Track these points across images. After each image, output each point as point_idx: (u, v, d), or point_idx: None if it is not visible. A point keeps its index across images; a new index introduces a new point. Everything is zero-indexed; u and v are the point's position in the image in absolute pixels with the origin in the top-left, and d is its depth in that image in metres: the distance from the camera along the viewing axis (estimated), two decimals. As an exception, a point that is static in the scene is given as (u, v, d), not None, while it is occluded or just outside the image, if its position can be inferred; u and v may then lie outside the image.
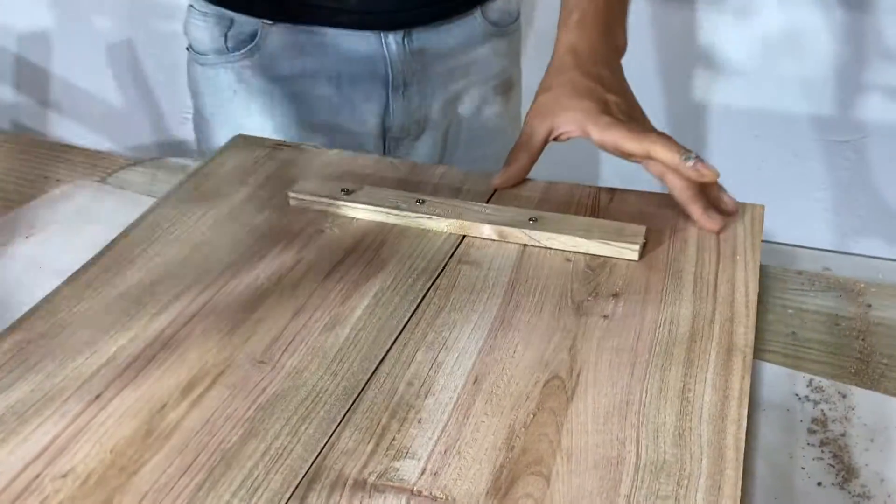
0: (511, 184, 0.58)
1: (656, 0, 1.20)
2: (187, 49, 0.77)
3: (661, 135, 0.55)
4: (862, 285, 0.53)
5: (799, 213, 1.20)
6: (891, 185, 1.20)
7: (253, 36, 0.71)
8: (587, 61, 0.58)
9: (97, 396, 0.41)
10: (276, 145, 0.65)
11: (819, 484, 0.39)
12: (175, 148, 1.60)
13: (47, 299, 0.48)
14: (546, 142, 0.59)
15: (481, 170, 0.61)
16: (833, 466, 0.40)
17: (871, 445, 0.41)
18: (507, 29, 0.78)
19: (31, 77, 1.66)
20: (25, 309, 0.48)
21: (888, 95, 1.18)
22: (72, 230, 0.60)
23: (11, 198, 0.65)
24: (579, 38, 0.58)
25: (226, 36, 0.71)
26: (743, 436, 0.38)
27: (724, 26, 1.22)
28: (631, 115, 0.57)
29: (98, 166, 0.71)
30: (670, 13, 1.23)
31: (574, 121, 0.57)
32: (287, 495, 0.35)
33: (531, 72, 0.73)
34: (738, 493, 0.35)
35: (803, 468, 0.40)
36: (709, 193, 0.54)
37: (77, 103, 1.65)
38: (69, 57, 1.61)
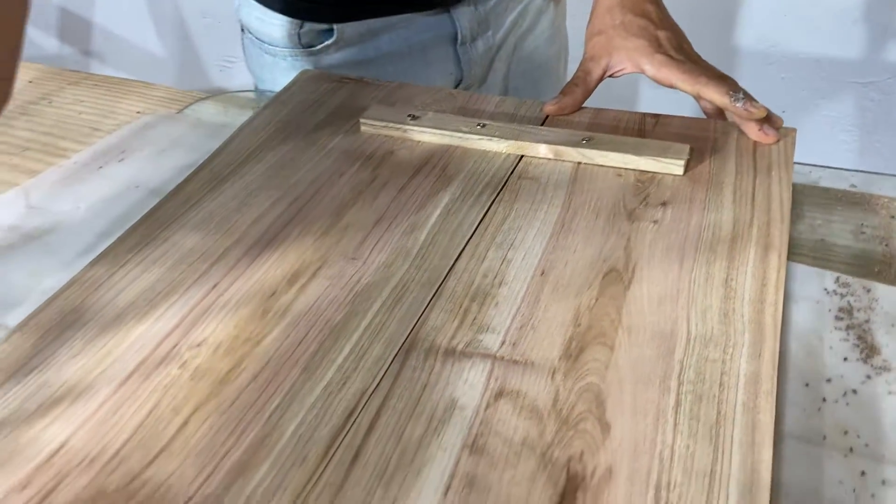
0: (563, 113, 0.63)
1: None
2: (242, 31, 0.78)
3: (711, 76, 0.59)
4: (886, 199, 0.58)
5: (824, 153, 1.24)
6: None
7: (329, 32, 0.72)
8: (634, 1, 0.63)
9: (214, 286, 0.47)
10: (341, 79, 0.70)
11: (845, 359, 0.45)
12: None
13: (157, 208, 0.54)
14: (601, 79, 0.64)
15: (534, 98, 0.66)
16: (857, 346, 0.46)
17: (891, 329, 0.47)
18: None
19: (74, 28, 1.71)
20: (128, 223, 0.54)
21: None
22: (160, 154, 0.66)
23: (98, 127, 0.71)
24: None
25: (299, 34, 0.72)
26: (779, 316, 0.44)
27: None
28: (681, 49, 0.62)
29: (172, 100, 0.76)
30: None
31: (629, 59, 0.62)
32: (389, 360, 0.42)
33: None
34: (776, 359, 0.41)
35: (831, 348, 0.46)
36: None
37: (118, 52, 1.70)
38: (111, 7, 1.66)
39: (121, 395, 0.40)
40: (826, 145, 1.28)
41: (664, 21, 0.63)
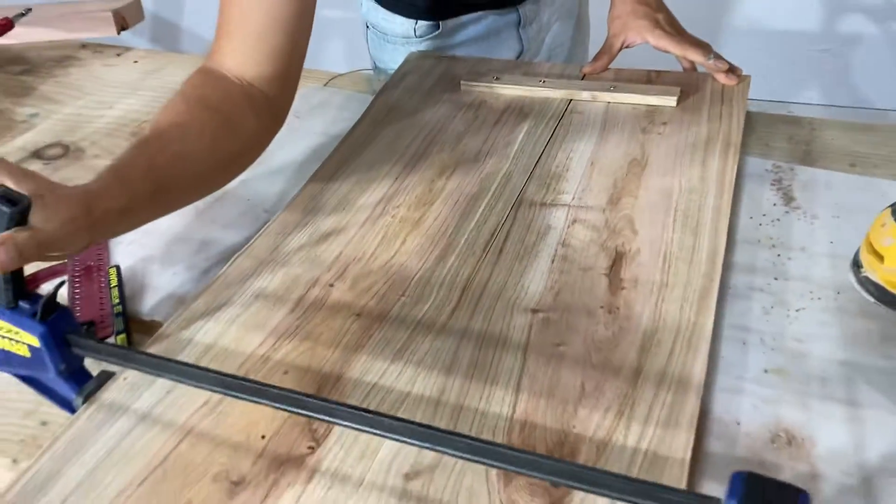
0: (596, 72, 0.94)
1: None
2: (367, 27, 1.09)
3: (693, 43, 0.90)
4: (809, 118, 0.89)
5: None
6: (861, 82, 1.54)
7: (435, 26, 1.02)
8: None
9: (396, 178, 0.78)
10: (438, 57, 1.02)
11: (774, 204, 0.76)
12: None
13: (343, 142, 0.85)
14: (621, 49, 0.94)
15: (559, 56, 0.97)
16: (782, 198, 0.77)
17: (802, 189, 0.77)
18: None
19: (164, 31, 2.03)
20: (324, 153, 0.85)
21: (856, 12, 1.51)
22: (317, 114, 0.97)
23: (270, 99, 1.02)
24: None
25: (415, 29, 1.02)
26: (733, 177, 0.75)
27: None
28: (672, 25, 0.93)
29: (311, 77, 1.07)
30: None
31: (638, 34, 0.92)
32: (508, 209, 0.73)
33: None
34: (730, 199, 0.72)
35: (767, 199, 0.76)
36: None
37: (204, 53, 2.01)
38: (197, 12, 1.97)
39: (363, 231, 0.71)
40: (793, 97, 1.57)
41: (660, 7, 0.93)
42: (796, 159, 0.83)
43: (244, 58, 0.71)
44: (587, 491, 0.43)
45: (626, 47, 0.94)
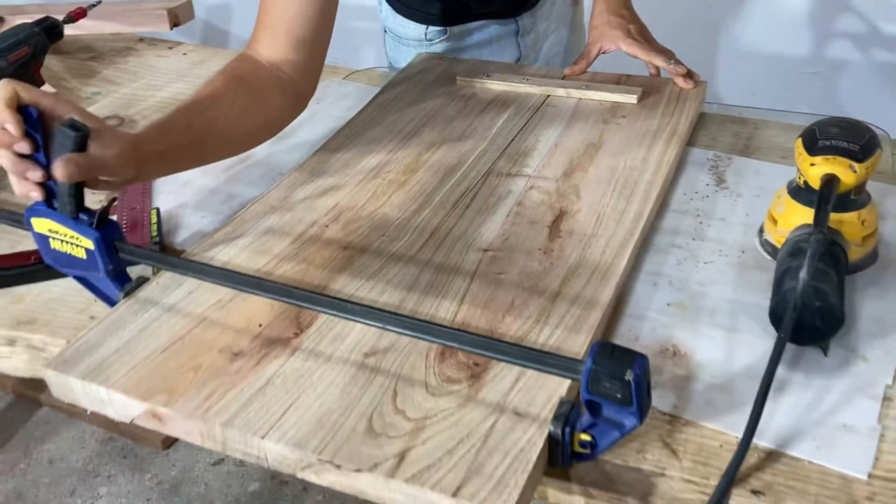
0: (575, 74, 1.08)
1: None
2: (384, 31, 1.25)
3: (658, 50, 1.04)
4: (754, 119, 1.03)
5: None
6: (851, 104, 1.66)
7: (444, 31, 1.18)
8: (614, 6, 1.08)
9: (389, 151, 0.93)
10: (441, 58, 1.17)
11: (707, 185, 0.89)
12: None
13: (351, 122, 1.01)
14: (598, 55, 1.09)
15: (556, 62, 1.12)
16: (716, 181, 0.90)
17: (734, 174, 0.91)
18: None
19: (215, 37, 2.23)
20: (312, 138, 1.01)
21: (844, 39, 1.63)
22: (342, 99, 1.13)
23: (296, 88, 1.19)
24: None
25: (425, 33, 1.18)
26: (670, 161, 0.88)
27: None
28: (642, 34, 1.07)
29: (335, 72, 1.23)
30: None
31: (612, 42, 1.07)
32: (479, 176, 0.87)
33: None
34: (665, 172, 0.85)
35: (705, 183, 0.90)
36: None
37: (249, 58, 2.20)
38: (246, 20, 2.17)
39: (357, 189, 0.86)
40: (783, 117, 1.69)
41: (633, 19, 1.08)
42: (735, 151, 0.96)
43: (275, 46, 0.88)
44: (492, 357, 0.57)
45: (603, 53, 1.09)
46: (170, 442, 1.73)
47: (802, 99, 1.69)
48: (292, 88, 0.90)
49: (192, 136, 0.80)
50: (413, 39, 1.20)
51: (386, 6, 1.21)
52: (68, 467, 1.73)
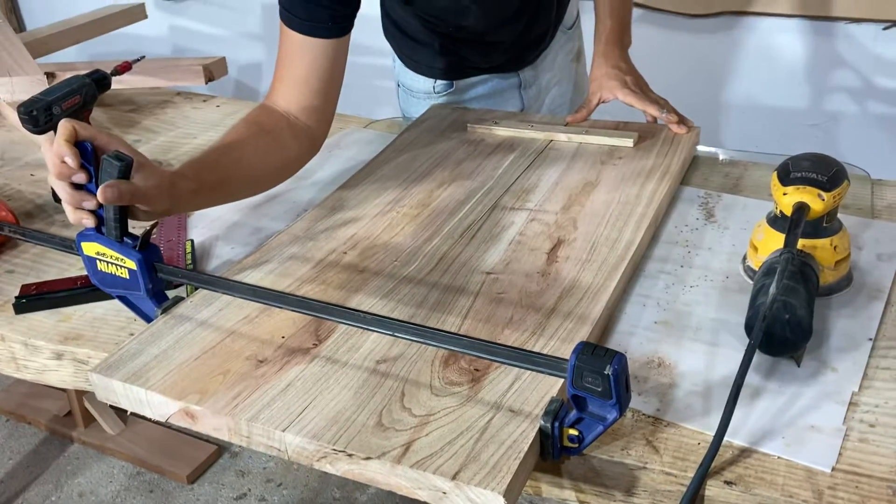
0: (577, 122, 1.17)
1: (671, 30, 1.78)
2: (398, 85, 1.35)
3: (653, 100, 1.12)
4: (744, 162, 1.10)
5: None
6: (842, 151, 1.73)
7: (450, 84, 1.28)
8: (613, 60, 1.17)
9: (405, 189, 1.02)
10: (454, 108, 1.27)
11: (697, 219, 0.96)
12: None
13: (370, 164, 1.10)
14: (598, 104, 1.18)
15: (560, 113, 1.21)
16: (705, 216, 0.97)
17: (723, 210, 0.98)
18: (574, 24, 1.36)
19: (246, 93, 2.36)
20: (331, 178, 1.09)
21: (841, 92, 1.72)
22: (366, 145, 1.22)
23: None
24: (606, 48, 1.17)
25: (434, 87, 1.28)
26: (661, 196, 0.96)
27: (724, 46, 1.79)
28: (638, 85, 1.16)
29: (354, 121, 1.33)
30: (692, 40, 1.81)
31: (610, 92, 1.16)
32: (486, 210, 0.95)
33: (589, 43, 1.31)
34: (661, 208, 0.93)
35: (692, 215, 0.97)
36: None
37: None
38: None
39: (374, 221, 0.95)
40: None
41: (629, 70, 1.17)
42: (725, 190, 1.03)
43: (290, 97, 0.98)
44: (487, 358, 0.64)
45: (602, 102, 1.17)
46: (195, 476, 1.79)
47: (802, 149, 1.76)
48: (306, 133, 0.99)
49: (219, 175, 0.89)
50: (423, 92, 1.30)
51: (398, 62, 1.32)
52: (97, 500, 1.79)
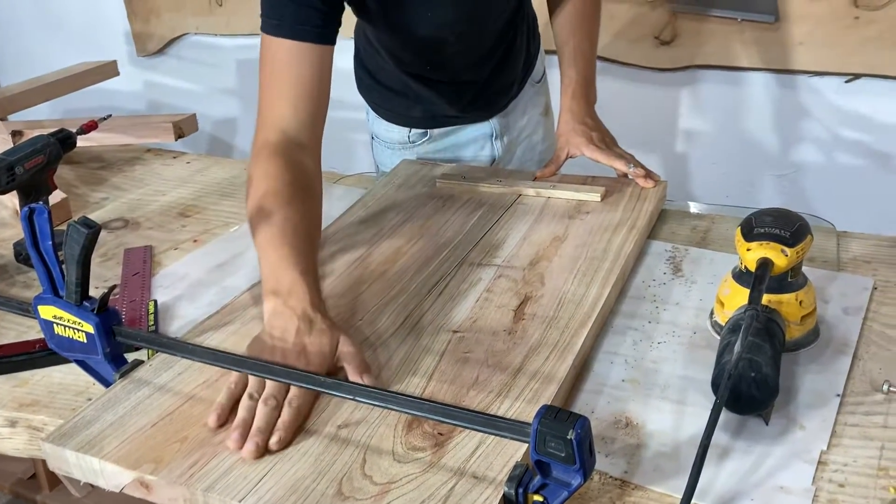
0: (545, 177, 1.17)
1: (639, 83, 1.81)
2: (372, 138, 1.35)
3: (619, 156, 1.13)
4: (711, 215, 1.11)
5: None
6: (809, 201, 1.75)
7: (425, 133, 1.29)
8: (579, 115, 1.17)
9: (369, 247, 1.01)
10: (424, 163, 1.27)
11: (664, 273, 0.96)
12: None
13: (339, 218, 1.09)
14: (565, 160, 1.18)
15: (530, 166, 1.22)
16: (673, 270, 0.97)
17: (690, 264, 0.98)
18: (542, 78, 1.38)
19: (220, 148, 2.36)
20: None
21: (808, 144, 1.74)
22: (338, 200, 1.22)
23: (289, 191, 1.28)
24: (572, 103, 1.18)
25: (409, 136, 1.29)
26: (629, 251, 0.96)
27: (691, 99, 1.82)
28: (604, 141, 1.17)
29: (326, 177, 1.33)
30: (659, 93, 1.84)
31: (577, 149, 1.16)
32: (454, 265, 0.94)
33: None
34: (625, 266, 0.93)
35: (660, 270, 0.97)
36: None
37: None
38: (248, 135, 2.30)
39: (341, 278, 0.94)
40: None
41: (596, 126, 1.18)
42: (692, 243, 1.04)
43: (287, 110, 0.95)
44: (449, 423, 0.62)
45: (570, 157, 1.18)
46: (162, 540, 1.73)
47: (771, 199, 1.79)
48: (314, 157, 0.99)
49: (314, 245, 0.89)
50: (397, 143, 1.30)
51: (372, 114, 1.32)
52: (60, 567, 1.73)
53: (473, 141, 1.30)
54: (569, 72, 1.20)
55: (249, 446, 0.67)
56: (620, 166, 1.12)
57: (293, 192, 0.90)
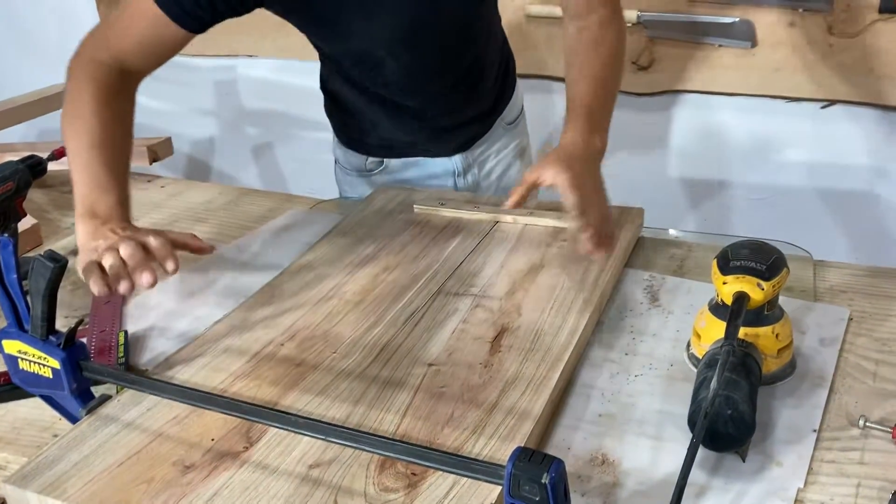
0: (513, 206, 1.11)
1: (617, 108, 1.82)
2: (336, 163, 1.35)
3: (584, 208, 0.89)
4: (688, 243, 1.11)
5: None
6: (787, 226, 1.77)
7: (381, 162, 1.29)
8: (568, 153, 0.98)
9: (348, 273, 1.00)
10: (402, 188, 1.26)
11: (641, 303, 0.96)
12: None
13: (311, 249, 1.08)
14: (534, 183, 1.10)
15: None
16: (650, 299, 0.97)
17: (668, 292, 0.97)
18: (517, 121, 1.37)
19: (197, 170, 2.34)
20: (278, 262, 1.07)
21: (785, 169, 1.76)
22: (306, 226, 1.20)
23: (267, 215, 1.26)
24: (571, 135, 0.97)
25: (365, 164, 1.29)
26: (605, 281, 0.95)
27: (669, 124, 1.83)
28: (584, 191, 0.91)
29: (301, 202, 1.32)
30: (637, 118, 1.84)
31: (546, 170, 1.06)
32: (429, 296, 0.93)
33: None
34: (601, 292, 0.92)
35: (636, 299, 0.97)
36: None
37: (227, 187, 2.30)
38: (226, 155, 2.29)
39: (314, 308, 0.92)
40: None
41: (585, 158, 0.99)
42: (669, 272, 1.03)
43: (124, 53, 1.02)
44: (422, 464, 0.61)
45: (538, 185, 0.94)
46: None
47: (750, 224, 1.79)
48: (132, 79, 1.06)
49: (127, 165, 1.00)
50: (355, 169, 1.31)
51: (335, 138, 1.32)
52: None
53: (434, 176, 1.30)
54: (576, 102, 1.01)
55: (146, 274, 0.84)
56: (572, 219, 0.91)
57: (111, 104, 0.99)
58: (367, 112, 1.24)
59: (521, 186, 1.00)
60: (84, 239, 0.90)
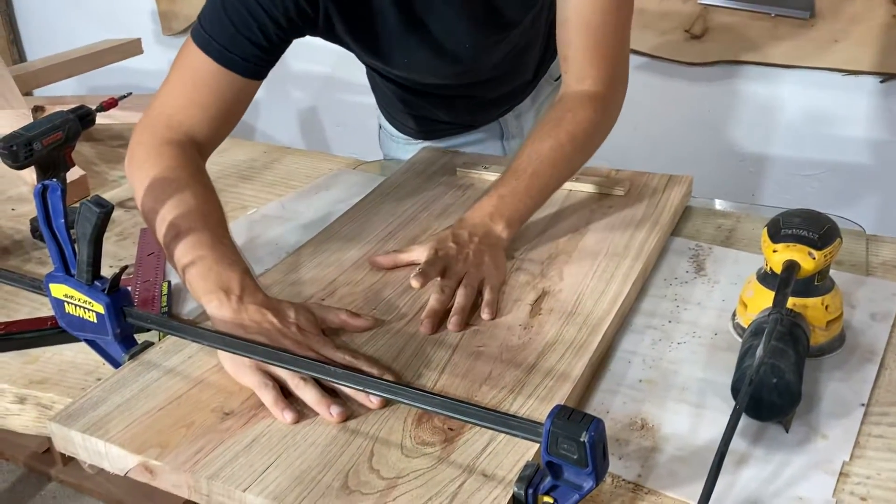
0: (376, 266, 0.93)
1: (669, 78, 1.78)
2: (380, 127, 1.35)
3: (429, 271, 0.83)
4: (736, 213, 1.08)
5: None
6: (839, 203, 1.71)
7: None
8: (455, 233, 0.90)
9: (390, 232, 0.99)
10: (444, 151, 1.25)
11: (686, 272, 0.94)
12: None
13: (354, 208, 1.08)
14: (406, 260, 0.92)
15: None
16: (695, 268, 0.95)
17: (714, 262, 0.95)
18: (559, 80, 1.34)
19: (240, 130, 2.35)
20: (319, 219, 1.07)
21: (840, 144, 1.71)
22: (351, 187, 1.20)
23: (310, 174, 1.26)
24: (474, 213, 0.93)
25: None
26: (651, 248, 0.93)
27: (720, 95, 1.79)
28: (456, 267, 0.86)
29: (344, 162, 1.32)
30: (689, 88, 1.80)
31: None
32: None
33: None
34: (646, 259, 0.90)
35: (682, 268, 0.95)
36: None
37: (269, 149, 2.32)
38: (270, 117, 2.29)
39: (355, 266, 0.92)
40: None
41: (465, 253, 0.89)
42: (717, 242, 1.01)
43: (195, 121, 0.93)
44: (458, 419, 0.61)
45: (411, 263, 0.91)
46: (172, 520, 1.74)
47: (799, 199, 1.75)
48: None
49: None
50: (401, 137, 1.30)
51: (379, 109, 1.32)
52: (71, 542, 1.74)
53: (481, 142, 1.29)
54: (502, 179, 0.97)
55: (456, 321, 0.80)
56: (415, 282, 0.82)
57: (199, 179, 0.91)
58: (413, 102, 1.24)
59: (388, 257, 0.93)
60: (226, 313, 0.77)
